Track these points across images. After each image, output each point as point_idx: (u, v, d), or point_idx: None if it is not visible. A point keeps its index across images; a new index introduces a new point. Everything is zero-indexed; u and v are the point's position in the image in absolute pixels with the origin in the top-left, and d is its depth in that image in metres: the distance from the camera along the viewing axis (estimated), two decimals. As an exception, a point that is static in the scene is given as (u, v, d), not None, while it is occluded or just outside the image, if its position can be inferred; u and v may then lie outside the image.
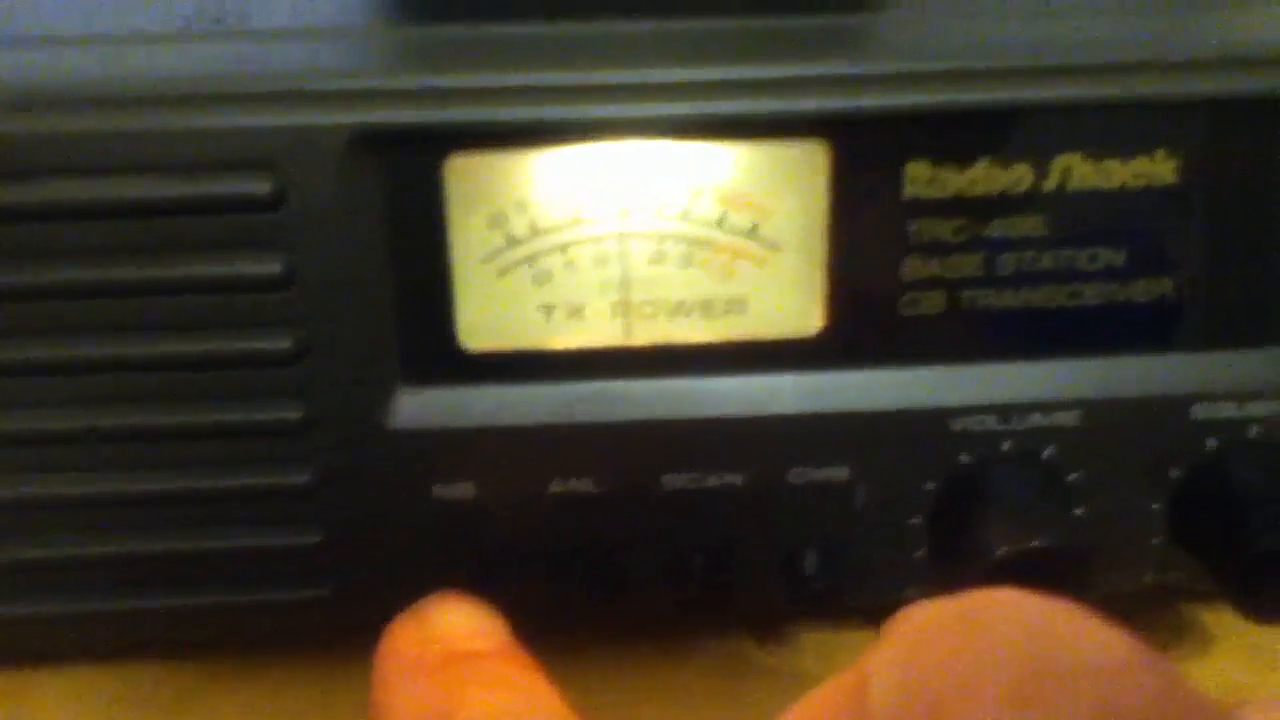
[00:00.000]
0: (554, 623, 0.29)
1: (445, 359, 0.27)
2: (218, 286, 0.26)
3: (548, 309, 0.28)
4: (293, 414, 0.27)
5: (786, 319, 0.28)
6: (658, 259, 0.28)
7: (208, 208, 0.25)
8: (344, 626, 0.29)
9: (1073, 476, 0.29)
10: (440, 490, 0.28)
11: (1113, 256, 0.27)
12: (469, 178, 0.26)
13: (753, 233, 0.28)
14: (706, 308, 0.28)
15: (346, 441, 0.27)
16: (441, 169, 0.26)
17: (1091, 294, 0.27)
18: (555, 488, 0.28)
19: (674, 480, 0.28)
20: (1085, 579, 0.27)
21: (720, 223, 0.27)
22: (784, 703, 0.18)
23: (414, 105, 0.25)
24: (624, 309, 0.28)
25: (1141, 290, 0.28)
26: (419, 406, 0.27)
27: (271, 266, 0.26)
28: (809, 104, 0.25)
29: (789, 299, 0.28)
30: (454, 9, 0.30)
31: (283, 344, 0.27)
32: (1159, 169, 0.26)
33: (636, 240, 0.28)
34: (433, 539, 0.28)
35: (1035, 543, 0.27)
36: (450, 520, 0.28)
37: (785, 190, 0.27)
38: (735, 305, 0.28)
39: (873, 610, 0.25)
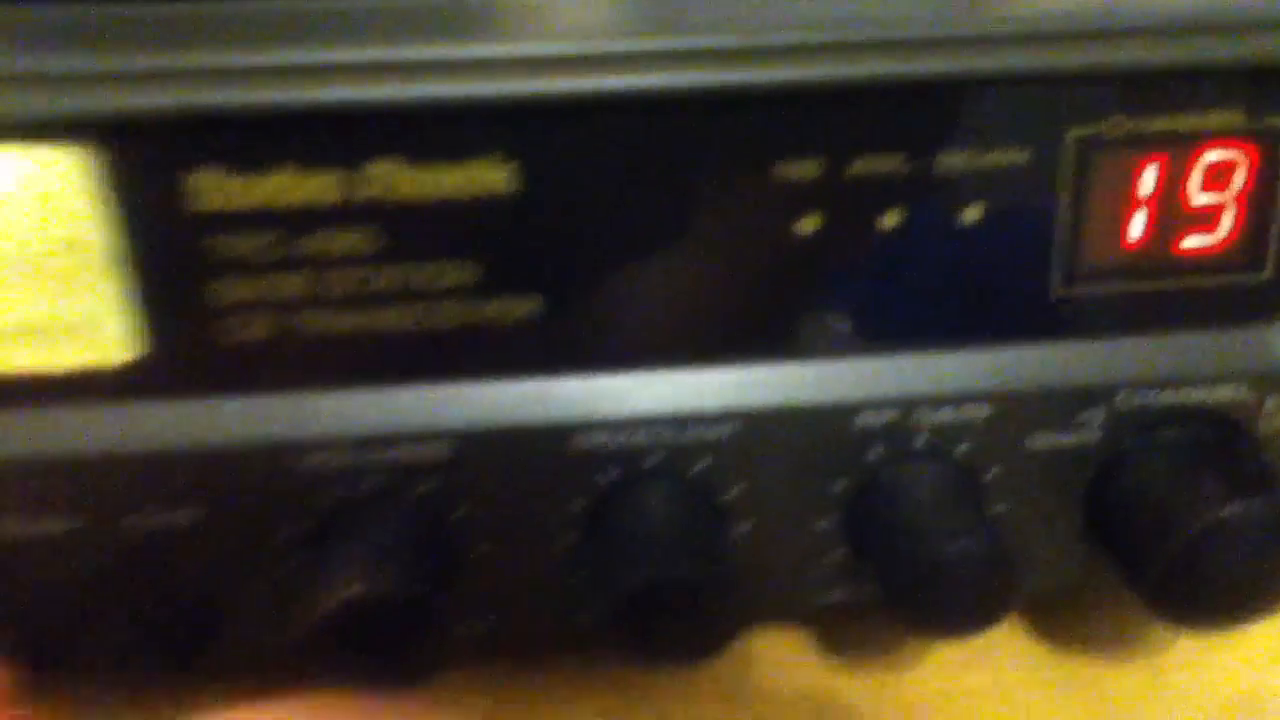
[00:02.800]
0: None
1: None
2: None
3: None
4: None
5: (115, 342, 0.25)
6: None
7: None
8: None
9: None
10: None
11: (461, 272, 0.25)
12: None
13: (74, 248, 0.25)
14: (30, 333, 0.25)
15: None
16: None
17: (446, 313, 0.25)
18: None
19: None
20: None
21: (35, 235, 0.24)
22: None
23: None
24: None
25: (501, 308, 0.25)
26: None
27: None
28: (69, 103, 0.22)
29: (118, 321, 0.25)
30: None
31: None
32: (493, 176, 0.24)
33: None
34: None
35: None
36: None
37: (87, 199, 0.24)
38: (67, 329, 0.25)
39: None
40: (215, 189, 0.23)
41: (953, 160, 0.25)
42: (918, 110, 0.25)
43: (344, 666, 0.25)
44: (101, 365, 0.25)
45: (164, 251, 0.24)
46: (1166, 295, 0.27)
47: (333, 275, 0.24)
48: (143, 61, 0.22)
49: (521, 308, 0.25)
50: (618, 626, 0.25)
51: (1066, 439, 0.27)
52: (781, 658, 0.32)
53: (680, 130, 0.24)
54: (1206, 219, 0.27)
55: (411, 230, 0.24)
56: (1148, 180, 0.26)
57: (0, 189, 0.23)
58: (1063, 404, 0.27)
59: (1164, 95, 0.26)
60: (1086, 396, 0.27)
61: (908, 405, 0.26)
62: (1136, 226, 0.27)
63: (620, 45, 0.23)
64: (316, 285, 0.24)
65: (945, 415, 0.27)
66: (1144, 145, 0.26)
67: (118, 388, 0.25)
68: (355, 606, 0.24)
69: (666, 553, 0.25)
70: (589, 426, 0.26)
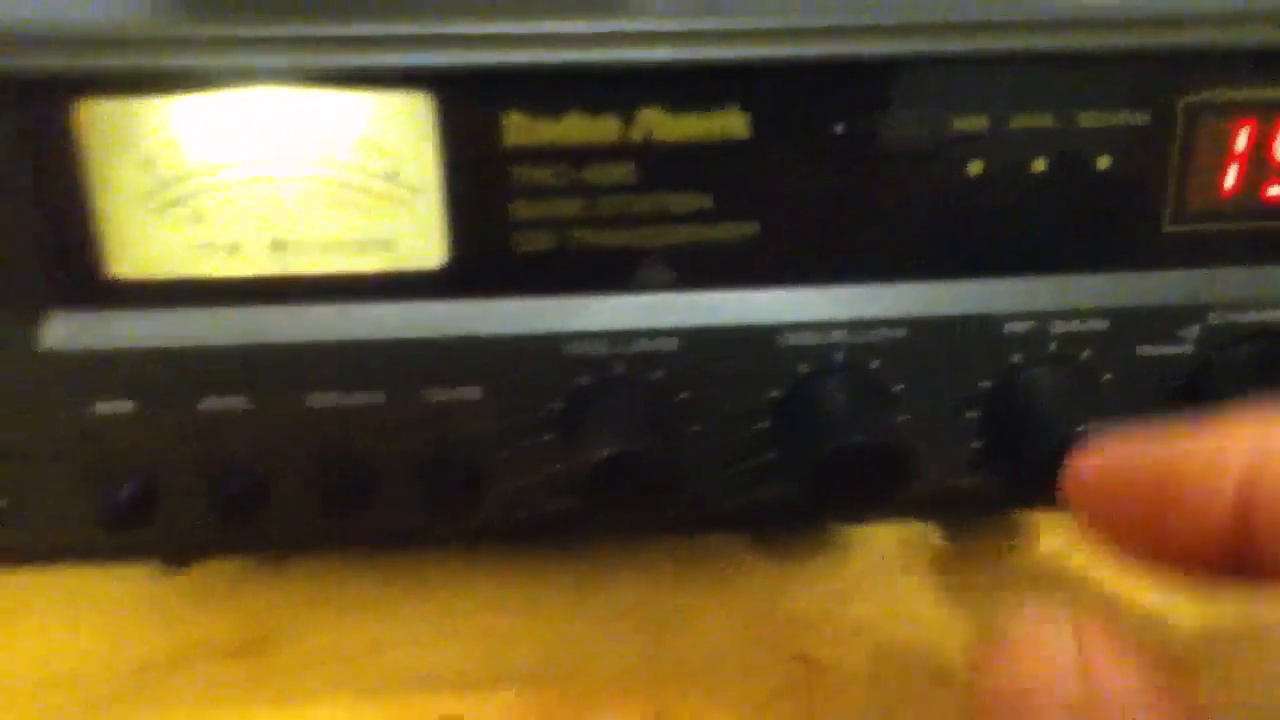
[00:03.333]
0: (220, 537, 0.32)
1: (94, 287, 0.30)
2: None
3: (203, 244, 0.31)
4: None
5: (421, 253, 0.31)
6: (307, 200, 0.31)
7: None
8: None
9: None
10: (95, 408, 0.31)
11: (699, 200, 0.31)
12: (104, 123, 0.29)
13: (392, 177, 0.31)
14: (353, 245, 0.31)
15: (-1, 363, 0.30)
16: (69, 115, 0.28)
17: (684, 234, 0.31)
18: (207, 405, 0.31)
19: (320, 398, 0.32)
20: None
21: (362, 167, 0.30)
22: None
23: (35, 53, 0.27)
24: (278, 246, 0.31)
25: (726, 230, 0.32)
26: (69, 330, 0.30)
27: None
28: (413, 59, 0.28)
29: (425, 235, 0.31)
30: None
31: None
32: (732, 123, 0.30)
33: (286, 183, 0.31)
34: (91, 456, 0.31)
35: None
36: (107, 437, 0.31)
37: (411, 137, 0.30)
38: (380, 242, 0.31)
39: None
40: (521, 128, 0.29)
41: (1089, 119, 0.31)
42: (1063, 78, 0.31)
43: (593, 511, 0.32)
44: (412, 270, 0.31)
45: (474, 179, 0.30)
46: (1254, 234, 0.34)
47: (602, 201, 0.30)
48: (471, 27, 0.28)
49: (743, 231, 0.31)
50: (809, 486, 0.32)
51: (1167, 350, 0.34)
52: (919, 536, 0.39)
53: (875, 89, 0.30)
54: (1288, 173, 0.33)
55: (664, 166, 0.30)
56: (1241, 140, 0.33)
57: (345, 131, 0.29)
58: (1166, 321, 0.33)
59: (1257, 71, 0.32)
60: (1185, 315, 0.33)
61: (1043, 318, 0.33)
62: (1231, 177, 0.33)
63: (832, 20, 0.30)
64: (589, 208, 0.30)
65: (1072, 326, 0.33)
66: (1239, 111, 0.32)
67: (424, 288, 0.31)
68: (606, 462, 0.31)
69: (851, 426, 0.31)
70: (790, 328, 0.32)
